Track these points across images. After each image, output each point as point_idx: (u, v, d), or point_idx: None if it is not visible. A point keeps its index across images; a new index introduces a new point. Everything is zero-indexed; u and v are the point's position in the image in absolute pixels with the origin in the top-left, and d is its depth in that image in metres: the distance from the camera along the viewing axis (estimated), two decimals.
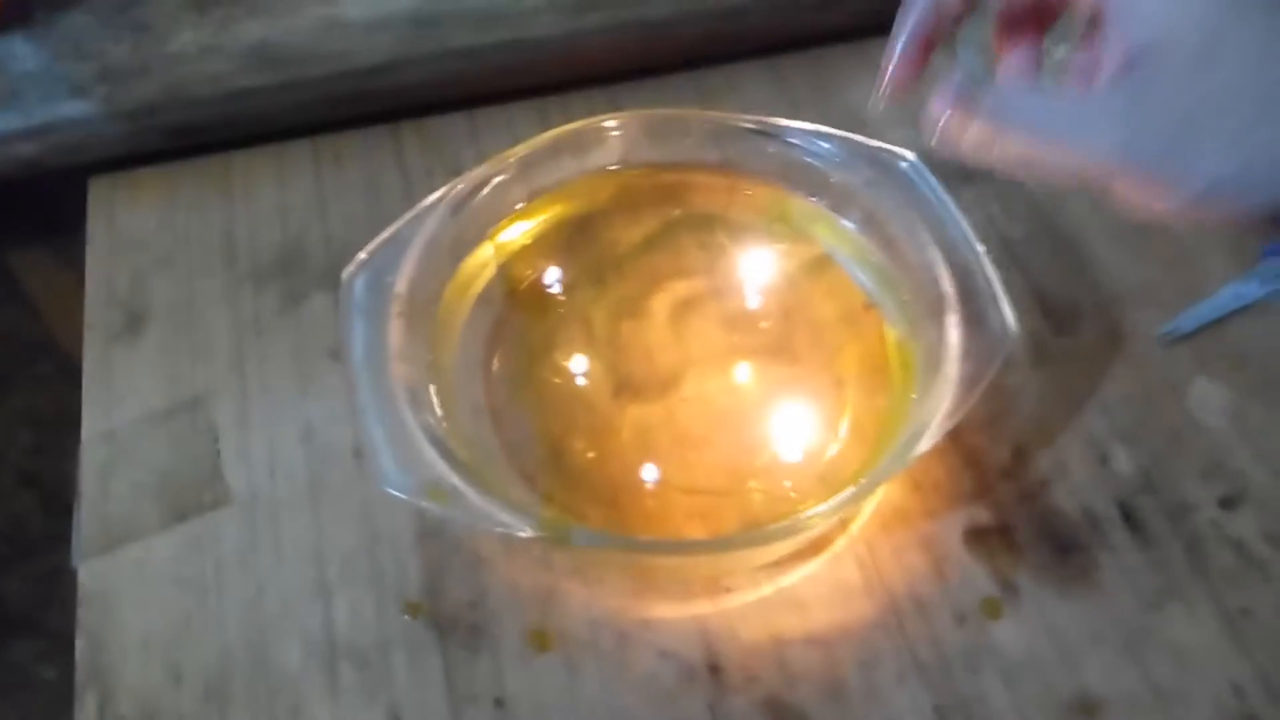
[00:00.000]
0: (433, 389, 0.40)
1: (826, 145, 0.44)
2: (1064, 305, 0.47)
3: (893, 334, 0.44)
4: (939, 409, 0.37)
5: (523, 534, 0.35)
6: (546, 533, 0.35)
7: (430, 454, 0.36)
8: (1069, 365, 0.45)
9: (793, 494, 0.41)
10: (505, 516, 0.35)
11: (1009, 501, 0.42)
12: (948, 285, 0.40)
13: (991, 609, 0.40)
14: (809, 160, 0.44)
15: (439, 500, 0.35)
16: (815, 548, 0.41)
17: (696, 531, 0.40)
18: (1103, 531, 0.41)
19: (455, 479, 0.36)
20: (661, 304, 0.45)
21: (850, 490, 0.37)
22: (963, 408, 0.37)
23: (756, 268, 0.46)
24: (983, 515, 0.42)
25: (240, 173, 0.52)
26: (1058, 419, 0.44)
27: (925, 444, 0.36)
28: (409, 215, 0.41)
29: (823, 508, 0.36)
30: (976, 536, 0.41)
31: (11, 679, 0.63)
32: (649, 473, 0.41)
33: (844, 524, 0.41)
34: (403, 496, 0.35)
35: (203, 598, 0.40)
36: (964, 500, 0.42)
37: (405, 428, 0.37)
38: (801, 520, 0.37)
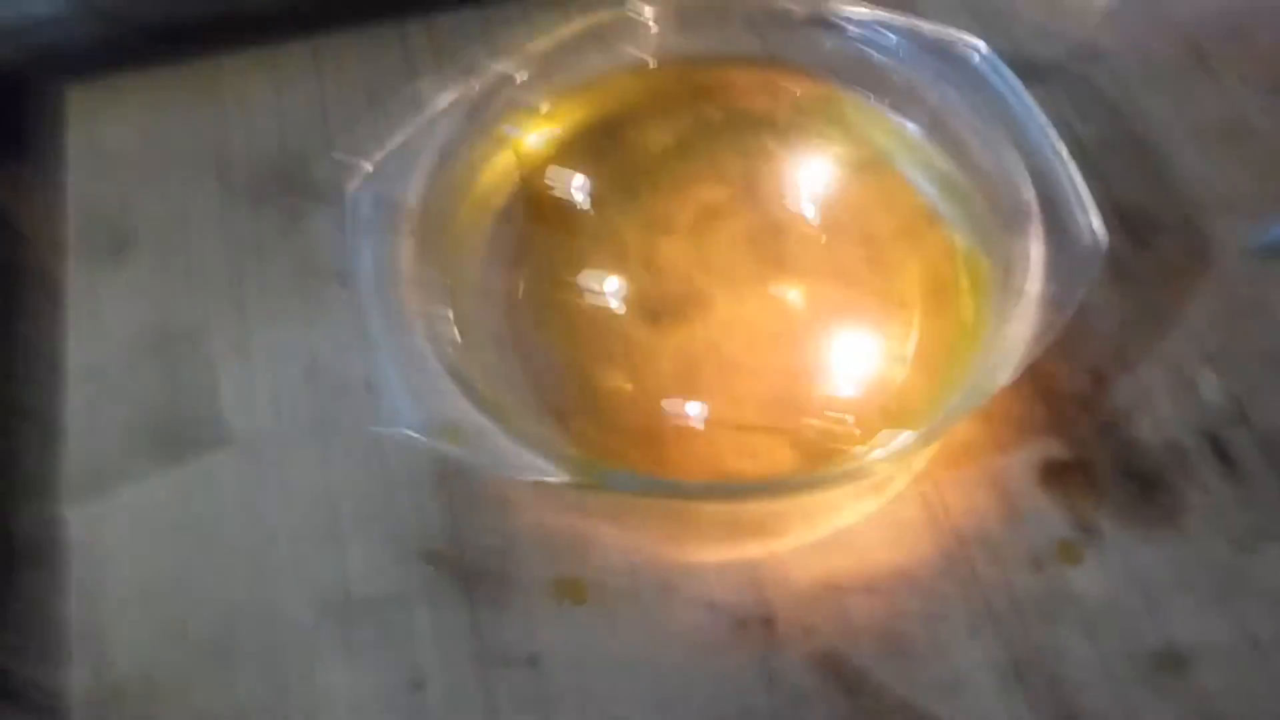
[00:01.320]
0: (449, 316, 0.37)
1: (887, 35, 0.40)
2: (1144, 216, 0.43)
3: (961, 249, 0.40)
4: (1019, 334, 0.34)
5: (551, 479, 0.32)
6: (578, 477, 0.32)
7: (448, 388, 0.34)
8: (1151, 282, 0.42)
9: (855, 430, 0.37)
10: (532, 459, 0.32)
11: (1087, 434, 0.39)
12: (1028, 193, 0.36)
13: (1069, 553, 0.37)
14: (866, 52, 0.40)
15: (457, 442, 0.33)
16: (875, 485, 0.37)
17: (746, 471, 0.37)
18: (1191, 467, 0.38)
19: (475, 416, 0.33)
20: (701, 218, 0.42)
21: (919, 433, 0.34)
22: (1050, 333, 0.33)
23: (806, 176, 0.42)
24: (1059, 449, 0.38)
25: (232, 79, 0.48)
26: (1140, 342, 0.40)
27: (1005, 376, 0.33)
28: (419, 122, 0.38)
29: (886, 452, 0.33)
30: (1052, 473, 0.38)
31: None
32: (692, 407, 0.38)
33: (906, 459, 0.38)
34: (417, 437, 0.32)
35: (204, 547, 0.37)
36: (1038, 433, 0.39)
37: (419, 360, 0.34)
38: (864, 466, 0.33)
